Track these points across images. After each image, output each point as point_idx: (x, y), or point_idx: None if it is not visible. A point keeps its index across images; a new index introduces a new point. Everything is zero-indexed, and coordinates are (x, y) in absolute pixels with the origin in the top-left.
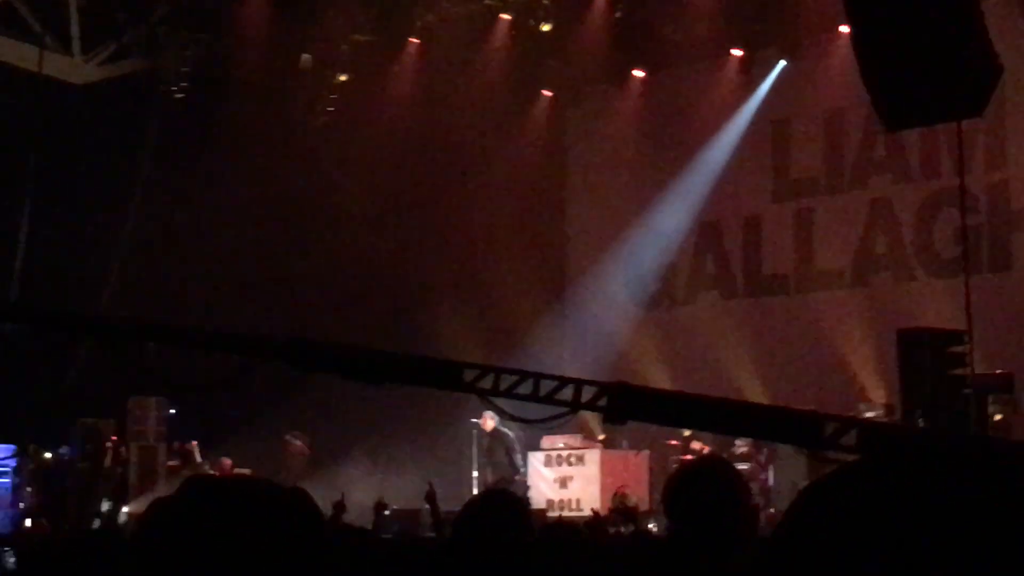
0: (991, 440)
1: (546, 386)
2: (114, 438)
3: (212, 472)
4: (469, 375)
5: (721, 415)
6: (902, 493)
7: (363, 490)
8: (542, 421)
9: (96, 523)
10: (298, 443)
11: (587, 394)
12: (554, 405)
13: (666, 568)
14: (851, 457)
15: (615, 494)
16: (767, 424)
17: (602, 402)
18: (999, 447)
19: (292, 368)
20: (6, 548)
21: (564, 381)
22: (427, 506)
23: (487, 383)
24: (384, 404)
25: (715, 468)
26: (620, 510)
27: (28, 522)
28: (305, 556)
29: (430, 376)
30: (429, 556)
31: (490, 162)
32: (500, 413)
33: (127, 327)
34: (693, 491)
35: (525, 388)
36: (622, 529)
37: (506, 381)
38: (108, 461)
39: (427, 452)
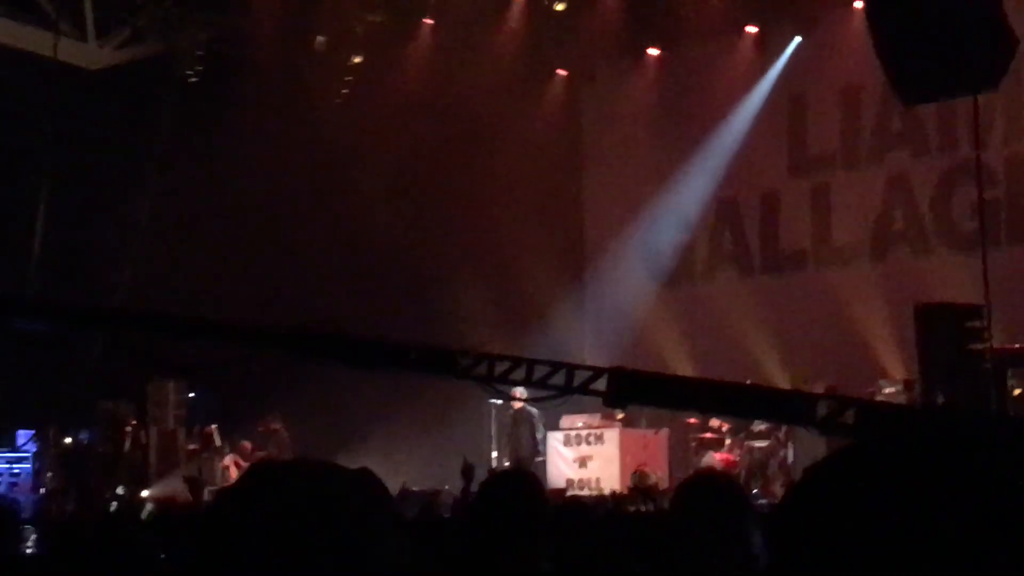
0: (995, 417)
1: (541, 371)
2: (133, 422)
3: (229, 455)
4: (464, 361)
5: (717, 397)
6: (896, 478)
7: (381, 473)
8: (544, 399)
9: (113, 506)
10: (278, 425)
11: (587, 378)
12: (551, 390)
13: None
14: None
15: (634, 472)
16: (761, 405)
17: (600, 385)
18: (1004, 425)
19: (291, 357)
20: (28, 530)
21: (557, 366)
22: (447, 487)
23: (482, 369)
24: (400, 385)
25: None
26: (640, 488)
27: (50, 506)
28: (380, 536)
29: (425, 363)
30: (450, 537)
31: (506, 142)
32: (499, 395)
33: (137, 320)
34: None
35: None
36: (642, 508)
37: (502, 367)
38: (128, 445)
39: (445, 432)
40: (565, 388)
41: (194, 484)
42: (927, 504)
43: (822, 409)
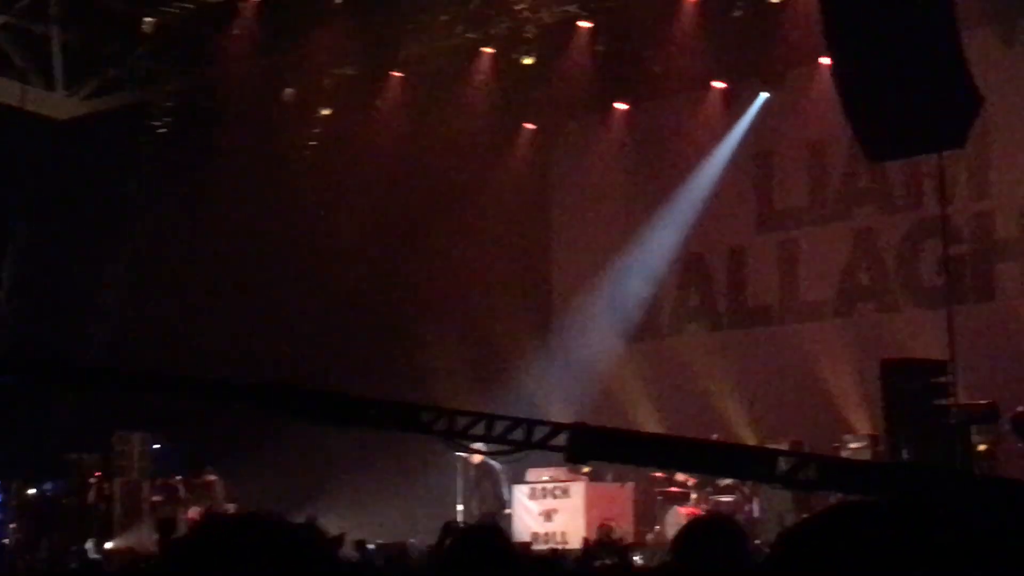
0: (961, 475)
1: (503, 426)
2: (98, 473)
3: (206, 508)
4: (425, 416)
5: (678, 453)
6: (882, 541)
7: (347, 526)
8: (504, 453)
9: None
10: (213, 476)
11: (547, 434)
12: (512, 446)
13: None
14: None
15: (600, 526)
16: (722, 461)
17: (558, 440)
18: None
19: (255, 412)
20: None
21: (517, 421)
22: (412, 540)
23: (443, 424)
24: (369, 439)
25: (725, 525)
26: (605, 543)
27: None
28: None
29: (387, 419)
30: None
31: (475, 195)
32: (460, 448)
33: (103, 377)
34: (701, 547)
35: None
36: (607, 561)
37: (463, 422)
38: (92, 496)
39: (411, 485)
40: (525, 443)
41: (166, 527)
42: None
43: (783, 465)
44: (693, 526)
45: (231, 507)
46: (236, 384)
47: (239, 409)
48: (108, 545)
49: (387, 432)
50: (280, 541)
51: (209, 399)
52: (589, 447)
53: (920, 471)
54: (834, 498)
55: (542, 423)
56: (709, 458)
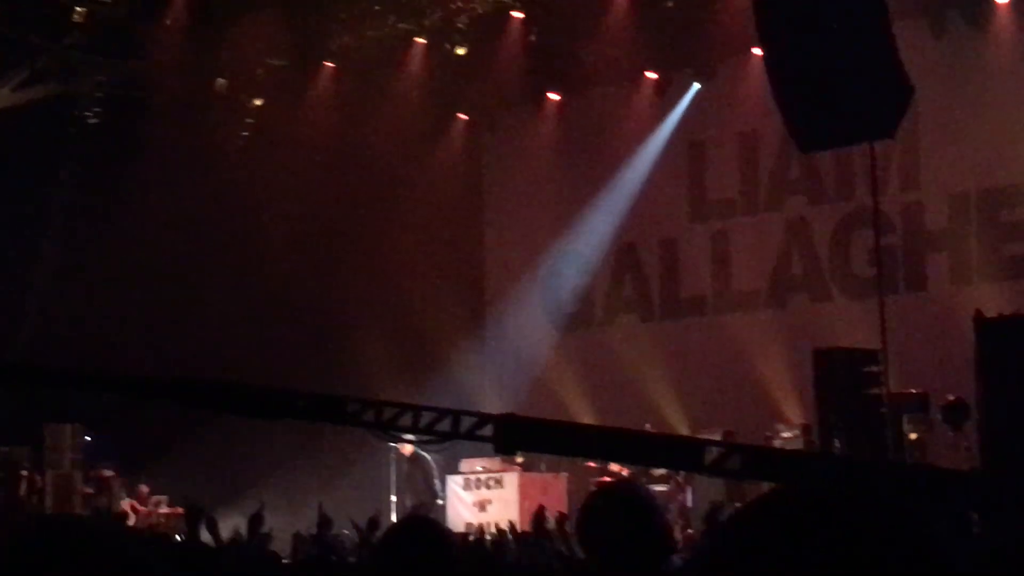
0: (897, 466)
1: (429, 417)
2: (28, 466)
3: (126, 500)
4: (351, 407)
5: (606, 444)
6: (810, 530)
7: (280, 519)
8: (430, 443)
9: None
10: (110, 472)
11: (474, 424)
12: (439, 437)
13: None
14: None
15: (534, 515)
16: (651, 451)
17: (486, 431)
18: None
19: (179, 407)
20: None
21: (443, 412)
22: (345, 532)
23: (370, 415)
24: (301, 430)
25: (626, 493)
26: (539, 532)
27: None
28: None
29: (314, 411)
30: None
31: (407, 186)
32: (390, 439)
33: (27, 374)
34: (605, 517)
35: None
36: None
37: (390, 413)
38: (23, 490)
39: (344, 477)
40: (454, 434)
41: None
42: (838, 556)
43: (711, 455)
44: (593, 496)
45: (160, 499)
46: (161, 380)
47: (164, 405)
48: None
49: (314, 424)
50: (104, 546)
51: (134, 395)
52: (517, 438)
53: (842, 460)
54: (767, 487)
55: (468, 413)
56: (637, 448)
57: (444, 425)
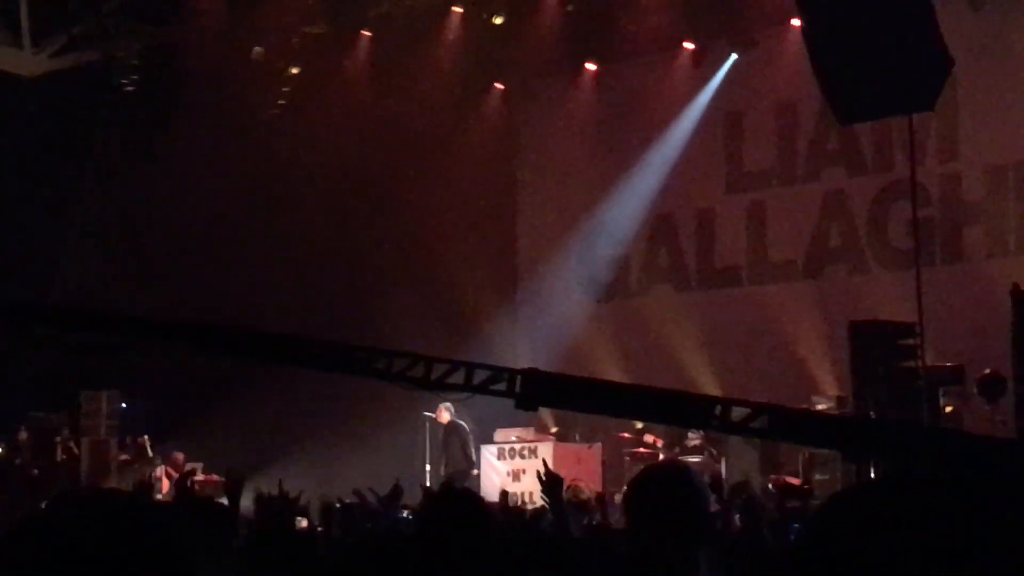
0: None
1: (442, 370)
2: (65, 432)
3: (160, 466)
4: (361, 356)
5: (627, 400)
6: (928, 514)
7: (312, 486)
8: (451, 391)
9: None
10: (145, 439)
11: (489, 377)
12: (463, 391)
13: (625, 566)
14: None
15: (568, 487)
16: (668, 408)
17: (501, 386)
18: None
19: (200, 354)
20: None
21: (456, 364)
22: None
23: (381, 365)
24: (335, 396)
25: (677, 474)
26: (574, 503)
27: None
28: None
29: (323, 359)
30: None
31: (443, 154)
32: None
33: (43, 314)
34: (654, 496)
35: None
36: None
37: (400, 364)
38: (59, 456)
39: (380, 445)
40: (475, 386)
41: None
42: (959, 540)
43: (732, 414)
44: (643, 475)
45: (196, 467)
46: (178, 325)
47: (210, 354)
48: None
49: (329, 373)
50: (122, 522)
51: (151, 340)
52: (539, 393)
53: (876, 425)
54: (804, 454)
55: (485, 367)
56: (662, 406)
57: (457, 378)
